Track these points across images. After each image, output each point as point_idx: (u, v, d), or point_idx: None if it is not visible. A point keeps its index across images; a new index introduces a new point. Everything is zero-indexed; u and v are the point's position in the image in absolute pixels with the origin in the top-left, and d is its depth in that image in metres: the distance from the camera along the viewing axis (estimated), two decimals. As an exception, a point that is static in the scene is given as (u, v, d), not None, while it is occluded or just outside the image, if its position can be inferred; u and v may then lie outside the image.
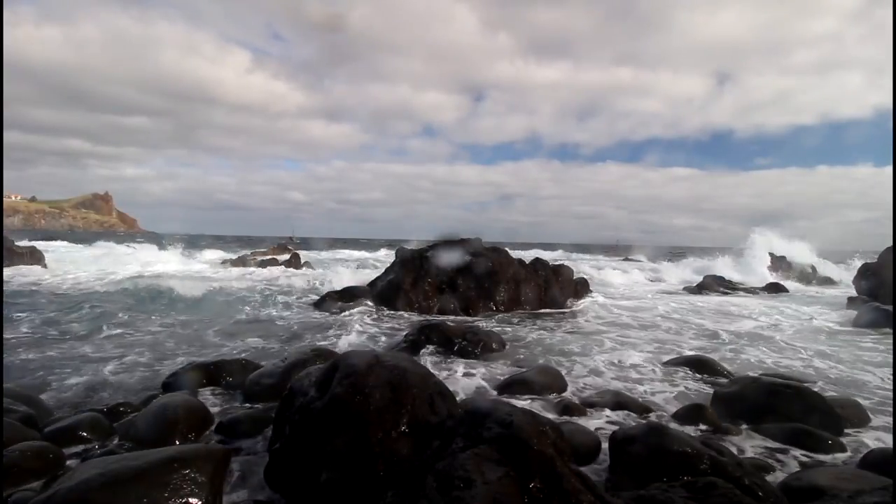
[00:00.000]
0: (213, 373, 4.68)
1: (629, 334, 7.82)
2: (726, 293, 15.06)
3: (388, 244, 38.19)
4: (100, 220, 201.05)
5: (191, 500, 2.28)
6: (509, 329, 8.04)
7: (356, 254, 32.06)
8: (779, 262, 20.58)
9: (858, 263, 13.84)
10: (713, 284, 16.14)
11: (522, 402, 4.24)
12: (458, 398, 3.45)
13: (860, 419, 4.04)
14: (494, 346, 6.23)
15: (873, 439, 3.72)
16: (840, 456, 3.45)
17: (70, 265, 17.48)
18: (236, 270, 17.61)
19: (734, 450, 3.29)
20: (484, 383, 4.90)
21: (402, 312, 9.44)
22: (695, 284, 16.36)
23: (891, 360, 6.12)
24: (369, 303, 9.99)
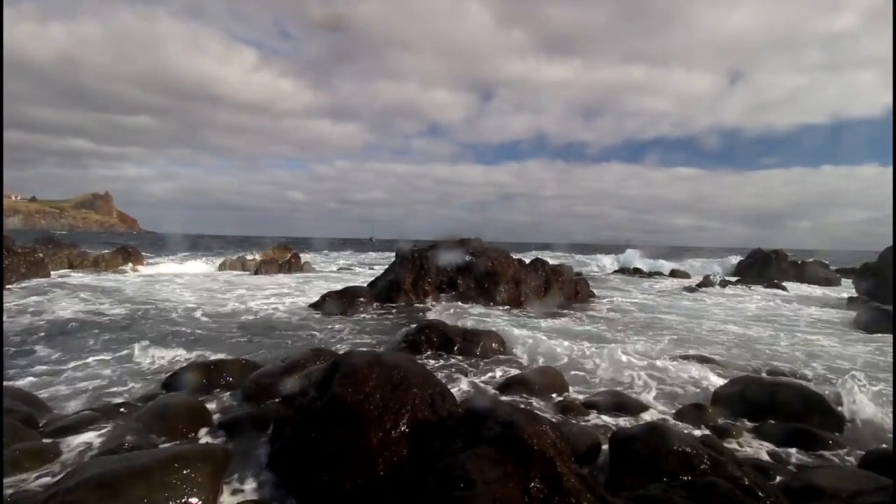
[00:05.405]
0: (213, 373, 4.68)
1: (629, 334, 7.81)
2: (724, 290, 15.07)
3: (388, 244, 37.97)
4: (100, 220, 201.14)
5: (191, 499, 2.29)
6: (510, 328, 8.02)
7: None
8: None
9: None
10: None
11: (522, 402, 4.24)
12: (457, 398, 3.45)
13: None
14: (494, 345, 6.22)
15: (873, 439, 3.72)
16: (840, 456, 3.44)
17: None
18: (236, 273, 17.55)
19: (734, 450, 3.29)
20: (484, 383, 4.90)
21: (403, 312, 9.43)
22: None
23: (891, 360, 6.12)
24: (369, 302, 9.99)
